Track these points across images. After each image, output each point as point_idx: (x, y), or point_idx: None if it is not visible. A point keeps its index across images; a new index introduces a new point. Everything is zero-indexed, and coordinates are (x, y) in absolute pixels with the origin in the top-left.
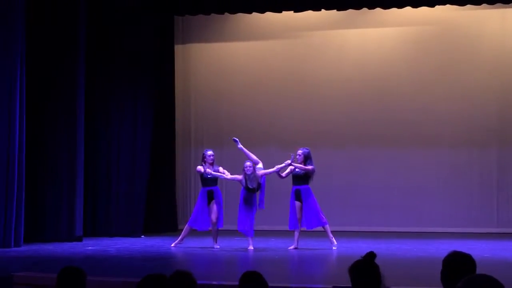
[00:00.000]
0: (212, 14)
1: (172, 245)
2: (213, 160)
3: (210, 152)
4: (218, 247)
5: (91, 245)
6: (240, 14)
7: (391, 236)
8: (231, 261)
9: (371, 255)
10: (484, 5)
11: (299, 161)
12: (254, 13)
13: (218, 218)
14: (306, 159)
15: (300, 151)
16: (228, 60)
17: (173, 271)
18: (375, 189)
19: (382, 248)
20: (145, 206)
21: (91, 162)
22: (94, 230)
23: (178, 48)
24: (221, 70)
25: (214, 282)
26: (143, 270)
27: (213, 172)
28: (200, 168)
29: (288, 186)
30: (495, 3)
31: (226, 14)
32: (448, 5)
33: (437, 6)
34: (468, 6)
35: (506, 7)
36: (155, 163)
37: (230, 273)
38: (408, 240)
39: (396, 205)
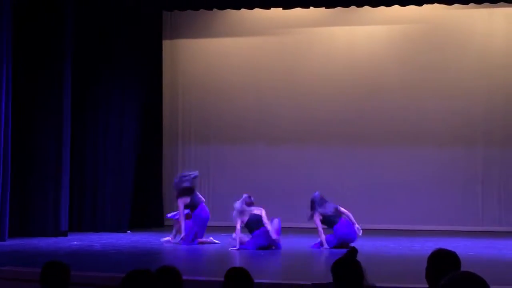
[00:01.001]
0: (201, 10)
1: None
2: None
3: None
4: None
5: (77, 240)
6: (228, 10)
7: (377, 233)
8: (217, 257)
9: (352, 252)
10: (471, 4)
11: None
12: (242, 9)
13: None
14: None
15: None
16: (216, 56)
17: (159, 267)
18: (362, 187)
19: (368, 246)
20: (132, 201)
21: (77, 157)
22: (80, 225)
23: (166, 44)
24: (209, 66)
25: (200, 278)
26: (128, 265)
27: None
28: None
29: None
30: (483, 3)
31: (215, 10)
32: (436, 4)
33: (425, 5)
34: (456, 5)
35: (493, 7)
36: (142, 158)
37: (216, 269)
38: (393, 237)
39: (383, 203)
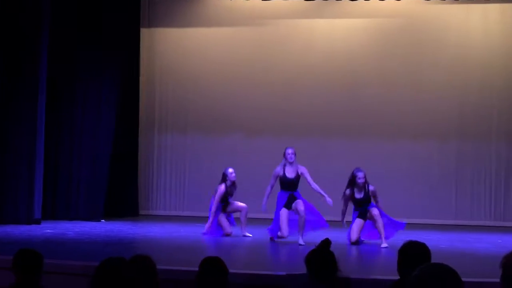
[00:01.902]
0: None
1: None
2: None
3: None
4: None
5: (50, 228)
6: (208, 0)
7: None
8: (193, 247)
9: (326, 242)
10: (449, 0)
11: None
12: None
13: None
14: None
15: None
16: (194, 46)
17: (133, 255)
18: (337, 179)
19: (342, 238)
20: (107, 190)
21: (53, 144)
22: (53, 213)
23: (144, 32)
24: (187, 56)
25: (174, 267)
26: (102, 254)
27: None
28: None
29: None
30: None
31: None
32: None
33: None
34: (434, 0)
35: (470, 3)
36: (118, 147)
37: (191, 259)
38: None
39: None
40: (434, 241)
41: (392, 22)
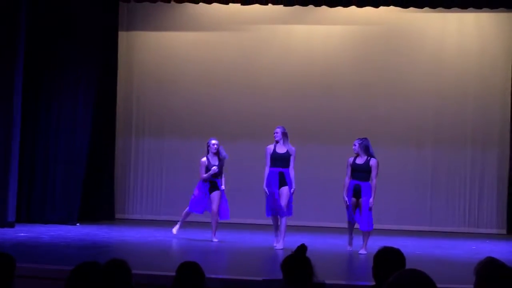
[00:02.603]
0: (158, 2)
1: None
2: (216, 149)
3: (214, 141)
4: (216, 240)
5: (24, 232)
6: (186, 4)
7: (327, 231)
8: (169, 252)
9: (302, 248)
10: (426, 8)
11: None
12: (201, 4)
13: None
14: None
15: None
16: (172, 50)
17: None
18: (313, 184)
19: (317, 243)
20: (82, 193)
21: (28, 146)
22: (28, 216)
23: (122, 35)
24: (165, 59)
25: (150, 272)
26: (77, 258)
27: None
28: (204, 160)
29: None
30: (437, 7)
31: (173, 3)
32: (392, 7)
33: (381, 7)
34: (411, 8)
35: (446, 12)
36: (95, 150)
37: (168, 264)
38: (343, 235)
39: (334, 201)
40: (409, 247)
41: (370, 29)
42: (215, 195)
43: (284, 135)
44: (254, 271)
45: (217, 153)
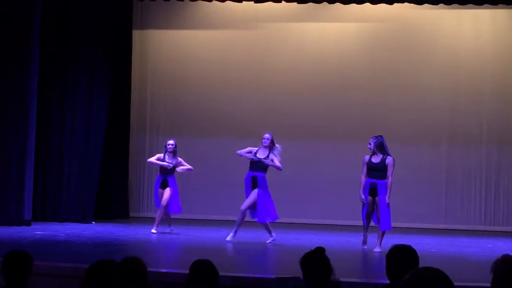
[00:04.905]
0: (172, 1)
1: (153, 230)
2: (172, 149)
3: (171, 142)
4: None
5: (40, 230)
6: (200, 2)
7: (341, 229)
8: (183, 249)
9: (320, 249)
10: (440, 5)
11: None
12: (214, 2)
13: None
14: None
15: None
16: (186, 48)
17: (123, 257)
18: (327, 182)
19: (331, 241)
20: (97, 192)
21: (43, 145)
22: (43, 215)
23: (136, 33)
24: (179, 57)
25: (164, 270)
26: (92, 256)
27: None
28: (159, 155)
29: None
30: (452, 4)
31: (187, 1)
32: (406, 3)
33: (395, 4)
34: (426, 5)
35: (461, 8)
36: (109, 148)
37: (182, 261)
38: (357, 233)
39: (348, 199)
40: (425, 245)
41: (384, 26)
42: (166, 190)
43: (271, 141)
44: (267, 269)
45: (173, 152)
